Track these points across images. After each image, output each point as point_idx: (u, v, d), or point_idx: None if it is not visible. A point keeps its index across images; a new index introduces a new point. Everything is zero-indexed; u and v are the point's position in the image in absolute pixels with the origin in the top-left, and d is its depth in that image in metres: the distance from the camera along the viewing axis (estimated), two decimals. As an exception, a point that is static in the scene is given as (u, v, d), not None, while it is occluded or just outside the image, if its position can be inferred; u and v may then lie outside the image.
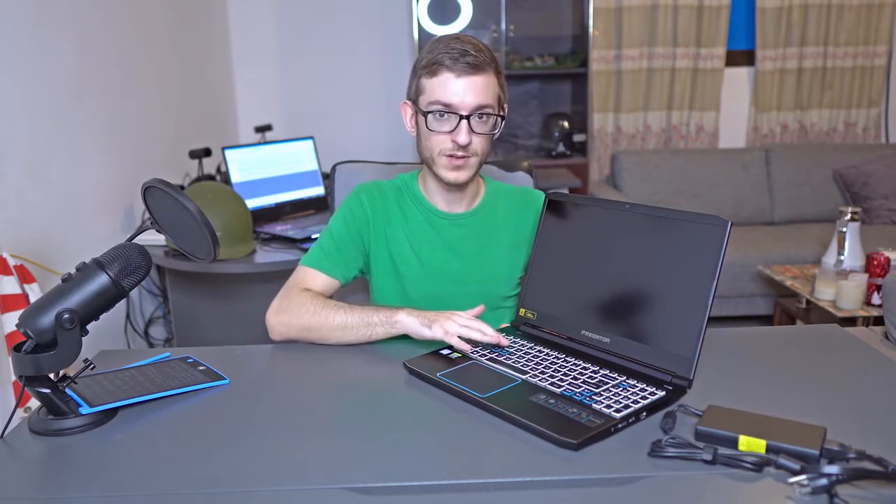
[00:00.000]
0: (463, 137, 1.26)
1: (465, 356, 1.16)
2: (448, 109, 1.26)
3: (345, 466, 0.88)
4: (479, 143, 1.29)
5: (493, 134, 1.32)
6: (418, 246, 1.39)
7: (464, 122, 1.26)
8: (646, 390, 1.02)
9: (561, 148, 3.89)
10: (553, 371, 1.09)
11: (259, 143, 2.81)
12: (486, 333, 1.17)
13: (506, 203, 1.45)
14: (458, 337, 1.18)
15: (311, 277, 1.36)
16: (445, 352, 1.18)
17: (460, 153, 1.28)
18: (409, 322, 1.21)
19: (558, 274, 1.26)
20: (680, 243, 1.08)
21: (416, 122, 1.33)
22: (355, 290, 1.61)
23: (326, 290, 1.36)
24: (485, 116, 1.28)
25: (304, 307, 1.26)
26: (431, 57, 1.27)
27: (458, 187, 1.36)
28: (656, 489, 0.82)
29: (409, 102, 1.35)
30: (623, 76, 3.95)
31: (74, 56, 2.17)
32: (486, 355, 1.16)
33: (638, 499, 0.81)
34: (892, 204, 3.68)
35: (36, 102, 1.96)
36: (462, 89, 1.25)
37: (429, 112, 1.27)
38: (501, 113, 1.32)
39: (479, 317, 1.41)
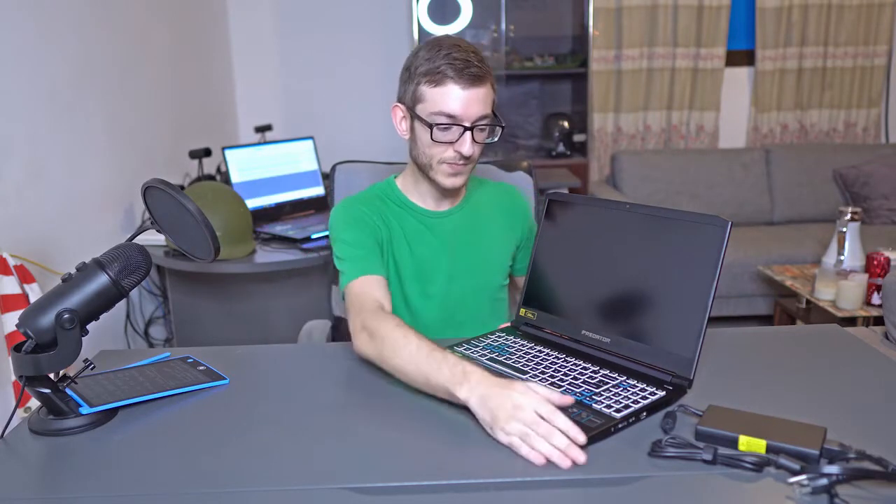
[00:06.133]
0: (467, 148, 1.26)
1: (466, 357, 1.16)
2: (453, 121, 1.25)
3: (345, 466, 0.88)
4: (477, 151, 1.30)
5: (493, 140, 1.33)
6: (417, 247, 1.39)
7: (468, 133, 1.26)
8: (646, 390, 1.02)
9: (561, 148, 3.89)
10: (553, 371, 1.09)
11: (259, 143, 2.81)
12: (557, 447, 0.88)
13: (489, 193, 1.48)
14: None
15: (369, 287, 1.24)
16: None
17: (461, 161, 1.29)
18: (469, 404, 0.96)
19: (559, 274, 1.26)
20: (680, 243, 1.08)
21: (412, 128, 1.31)
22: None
23: (387, 291, 1.28)
24: (484, 126, 1.29)
25: (380, 333, 1.11)
26: (433, 66, 1.24)
27: (454, 189, 1.36)
28: (656, 489, 0.82)
29: (401, 106, 1.32)
30: (623, 76, 3.95)
31: (74, 56, 2.17)
32: (485, 355, 1.16)
33: (638, 499, 0.81)
34: (892, 204, 3.68)
35: (36, 102, 1.96)
36: (467, 101, 1.24)
37: (433, 124, 1.25)
38: (501, 123, 1.32)
39: (479, 316, 1.42)
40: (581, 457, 0.86)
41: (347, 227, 1.34)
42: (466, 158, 1.28)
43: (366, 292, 1.24)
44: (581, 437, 0.88)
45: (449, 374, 0.99)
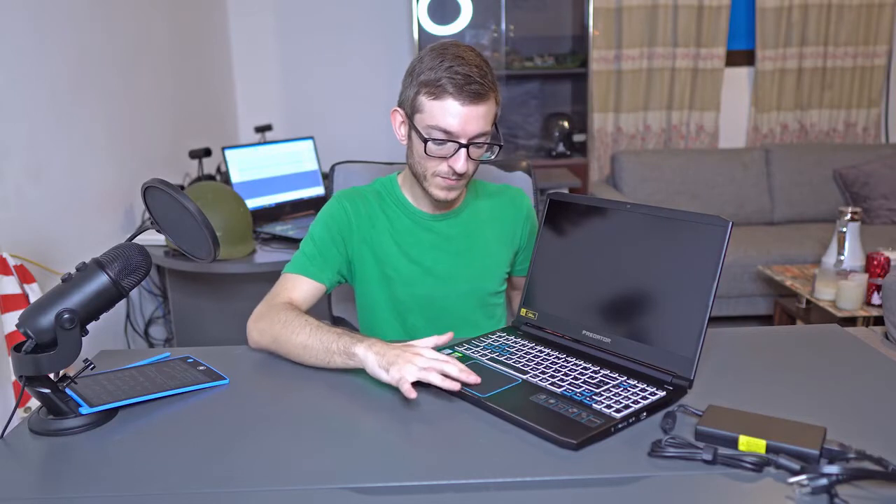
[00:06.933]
0: (461, 166, 1.24)
1: (466, 356, 1.16)
2: (448, 137, 1.23)
3: (345, 466, 0.88)
4: (472, 167, 1.28)
5: (490, 157, 1.31)
6: (407, 248, 1.38)
7: (462, 150, 1.24)
8: (646, 390, 1.02)
9: (561, 148, 3.89)
10: (554, 371, 1.09)
11: (259, 143, 2.81)
12: (449, 375, 1.03)
13: (489, 200, 1.46)
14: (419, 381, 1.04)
15: (295, 284, 1.32)
16: (448, 351, 1.18)
17: (454, 177, 1.27)
18: (366, 358, 1.08)
19: (559, 274, 1.26)
20: (681, 243, 1.08)
21: (410, 136, 1.29)
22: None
23: (312, 296, 1.33)
24: (482, 143, 1.26)
25: (279, 317, 1.21)
26: (433, 77, 1.21)
27: (446, 202, 1.35)
28: (656, 489, 0.82)
29: (400, 111, 1.30)
30: (623, 76, 3.95)
31: (74, 56, 2.17)
32: (486, 355, 1.17)
33: (638, 499, 0.81)
34: (892, 204, 3.68)
35: (36, 102, 1.96)
36: (465, 118, 1.21)
37: (428, 138, 1.23)
38: (500, 142, 1.29)
39: (469, 320, 1.42)
40: (475, 377, 1.05)
41: (324, 223, 1.38)
42: (460, 175, 1.27)
43: (286, 289, 1.32)
44: (473, 377, 1.05)
45: (348, 339, 1.12)
